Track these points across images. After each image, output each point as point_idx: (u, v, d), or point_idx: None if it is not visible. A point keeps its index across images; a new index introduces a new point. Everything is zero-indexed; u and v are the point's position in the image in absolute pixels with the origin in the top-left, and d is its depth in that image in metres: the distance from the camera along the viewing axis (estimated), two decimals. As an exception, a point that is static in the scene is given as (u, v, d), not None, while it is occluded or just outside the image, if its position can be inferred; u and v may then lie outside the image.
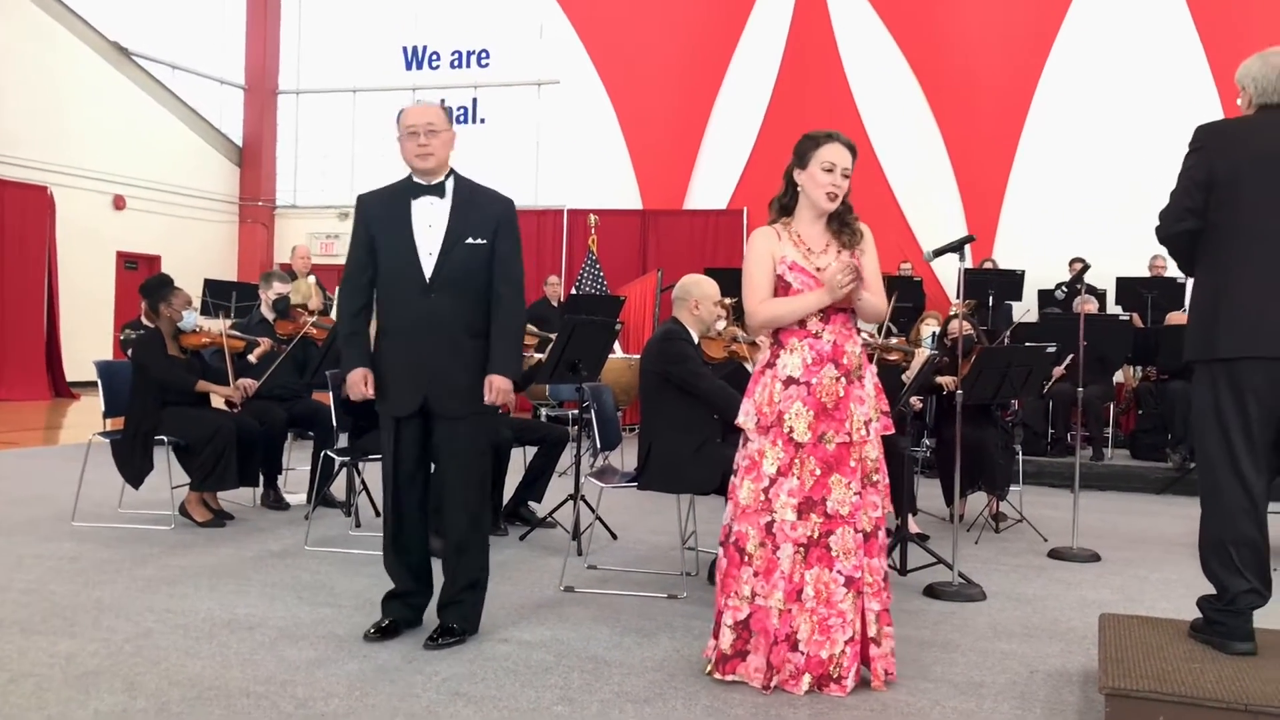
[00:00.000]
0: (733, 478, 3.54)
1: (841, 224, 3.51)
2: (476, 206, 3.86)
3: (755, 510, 3.42)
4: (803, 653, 3.37)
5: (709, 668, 3.51)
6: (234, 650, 3.72)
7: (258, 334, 6.63)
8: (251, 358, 6.31)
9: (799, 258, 3.47)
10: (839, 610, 3.37)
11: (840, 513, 3.39)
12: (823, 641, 3.37)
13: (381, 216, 3.83)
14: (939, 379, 6.08)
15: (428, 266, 3.76)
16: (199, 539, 5.60)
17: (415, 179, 3.85)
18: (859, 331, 3.63)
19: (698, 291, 4.86)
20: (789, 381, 3.43)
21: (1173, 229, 3.46)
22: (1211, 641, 3.35)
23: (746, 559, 3.42)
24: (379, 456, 5.38)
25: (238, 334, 6.44)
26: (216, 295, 10.25)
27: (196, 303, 10.12)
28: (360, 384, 3.80)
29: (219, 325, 6.39)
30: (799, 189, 3.52)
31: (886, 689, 3.44)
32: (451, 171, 3.88)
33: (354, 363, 3.82)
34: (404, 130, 3.81)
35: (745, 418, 3.50)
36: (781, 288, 3.47)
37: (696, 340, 4.91)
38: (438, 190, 3.83)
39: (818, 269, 3.44)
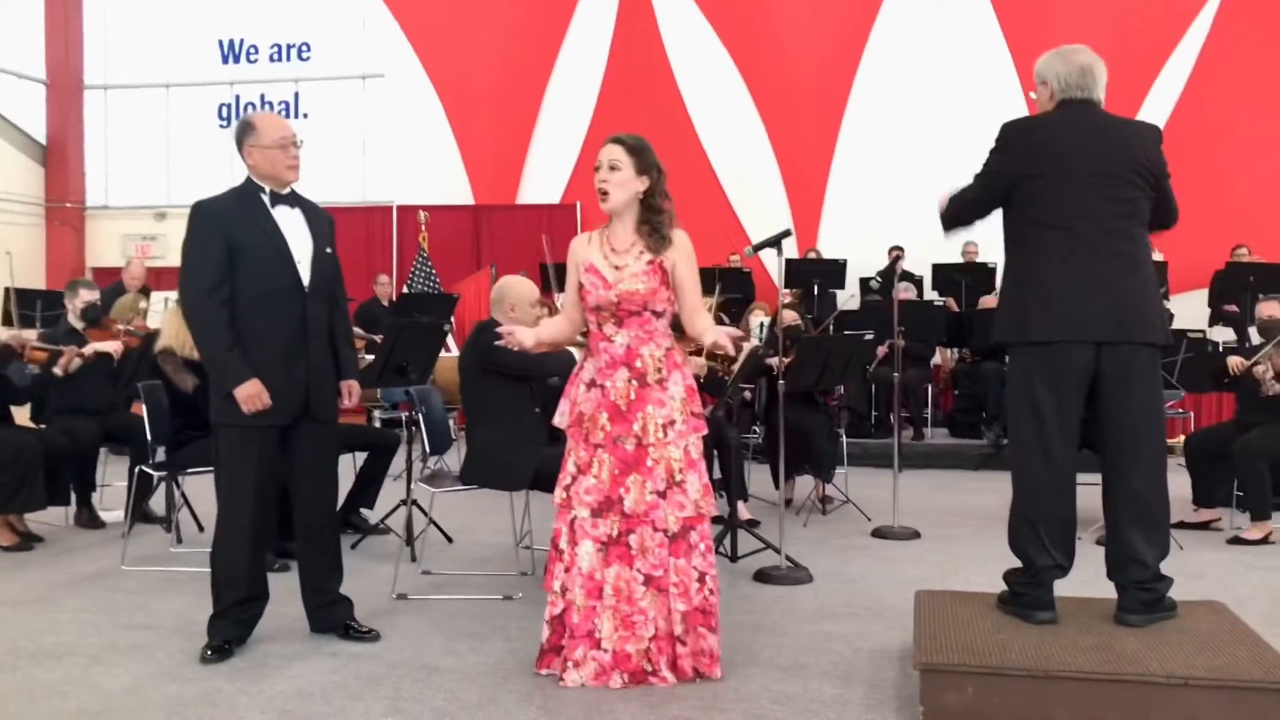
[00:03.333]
0: None
1: (651, 227, 3.55)
2: (318, 217, 3.97)
3: (564, 507, 3.51)
4: (607, 650, 3.41)
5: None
6: (40, 682, 3.53)
7: (66, 345, 6.30)
8: (58, 370, 5.97)
9: (599, 259, 3.53)
10: (640, 608, 3.43)
11: (638, 512, 3.44)
12: (628, 637, 3.42)
13: (245, 225, 3.76)
14: (769, 359, 6.20)
15: (304, 274, 3.81)
16: (4, 564, 5.29)
17: (271, 188, 3.84)
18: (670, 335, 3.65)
19: (513, 294, 4.84)
20: (590, 384, 3.52)
21: (964, 214, 3.67)
22: (1016, 613, 3.54)
23: (560, 555, 3.50)
24: (200, 470, 5.25)
25: (41, 345, 6.08)
26: (21, 305, 9.62)
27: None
28: (261, 395, 3.68)
29: (22, 335, 6.04)
30: None
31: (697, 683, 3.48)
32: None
33: (244, 374, 3.68)
34: (275, 141, 3.82)
35: (560, 417, 3.58)
36: (579, 288, 3.55)
37: None
38: (290, 200, 3.89)
39: (615, 268, 3.50)
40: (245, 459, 3.77)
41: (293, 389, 3.78)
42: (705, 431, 3.59)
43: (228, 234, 3.73)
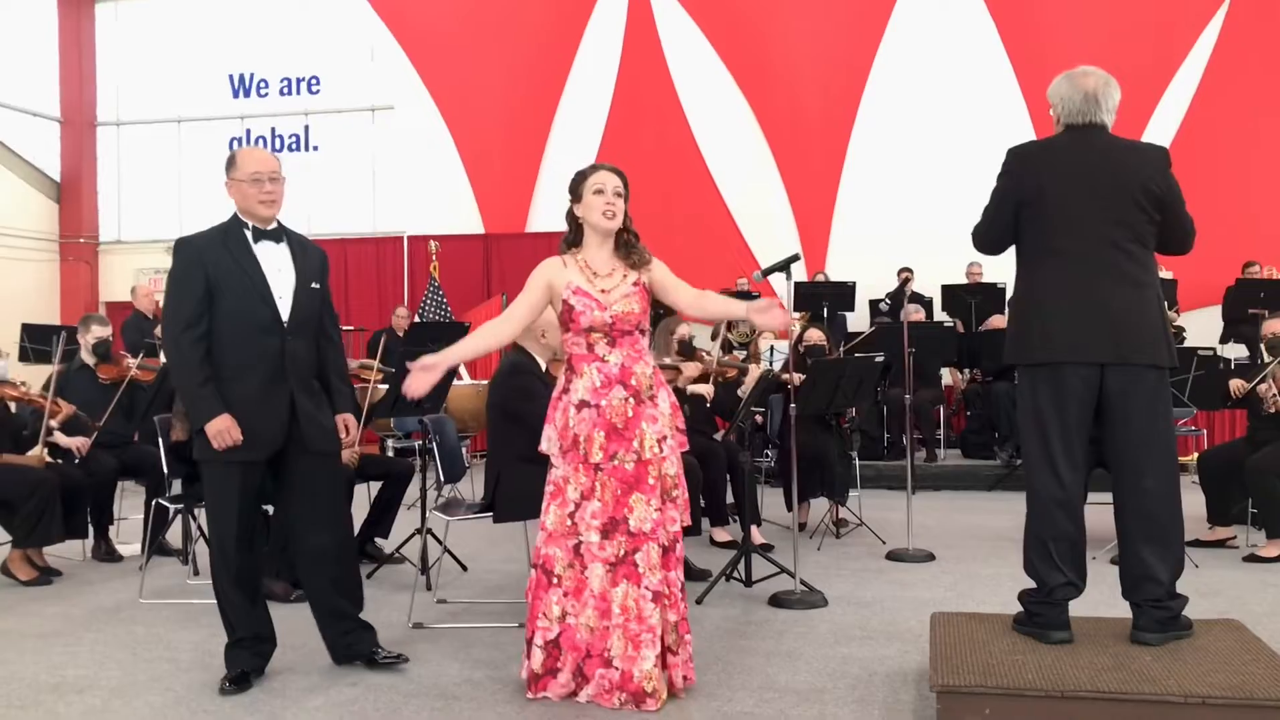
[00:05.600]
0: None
1: (628, 249, 3.63)
2: (307, 252, 3.96)
3: (562, 534, 3.53)
4: (617, 669, 3.46)
5: (525, 688, 3.61)
6: (62, 716, 3.56)
7: (79, 380, 6.37)
8: (53, 423, 5.97)
9: (583, 282, 3.58)
10: (649, 626, 3.46)
11: (643, 530, 3.49)
12: (635, 658, 3.46)
13: (224, 261, 3.77)
14: (785, 376, 6.20)
15: (284, 310, 3.80)
16: (24, 599, 5.32)
17: (253, 224, 3.85)
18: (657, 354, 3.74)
19: (543, 321, 4.84)
20: (581, 405, 3.53)
21: (984, 244, 3.72)
22: (1032, 633, 3.55)
23: (555, 580, 3.53)
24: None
25: (47, 396, 6.10)
26: (36, 340, 9.70)
27: (14, 350, 9.60)
28: (230, 430, 3.68)
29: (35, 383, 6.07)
30: (581, 223, 3.67)
31: (685, 696, 3.54)
32: (277, 219, 3.94)
33: (215, 409, 3.68)
34: (248, 175, 3.81)
35: (548, 444, 3.61)
36: (565, 310, 3.59)
37: (545, 367, 4.92)
38: (275, 235, 3.88)
39: (602, 290, 3.56)
40: (227, 494, 3.76)
41: (271, 424, 3.77)
42: (687, 447, 3.66)
43: (207, 270, 3.74)
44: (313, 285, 3.90)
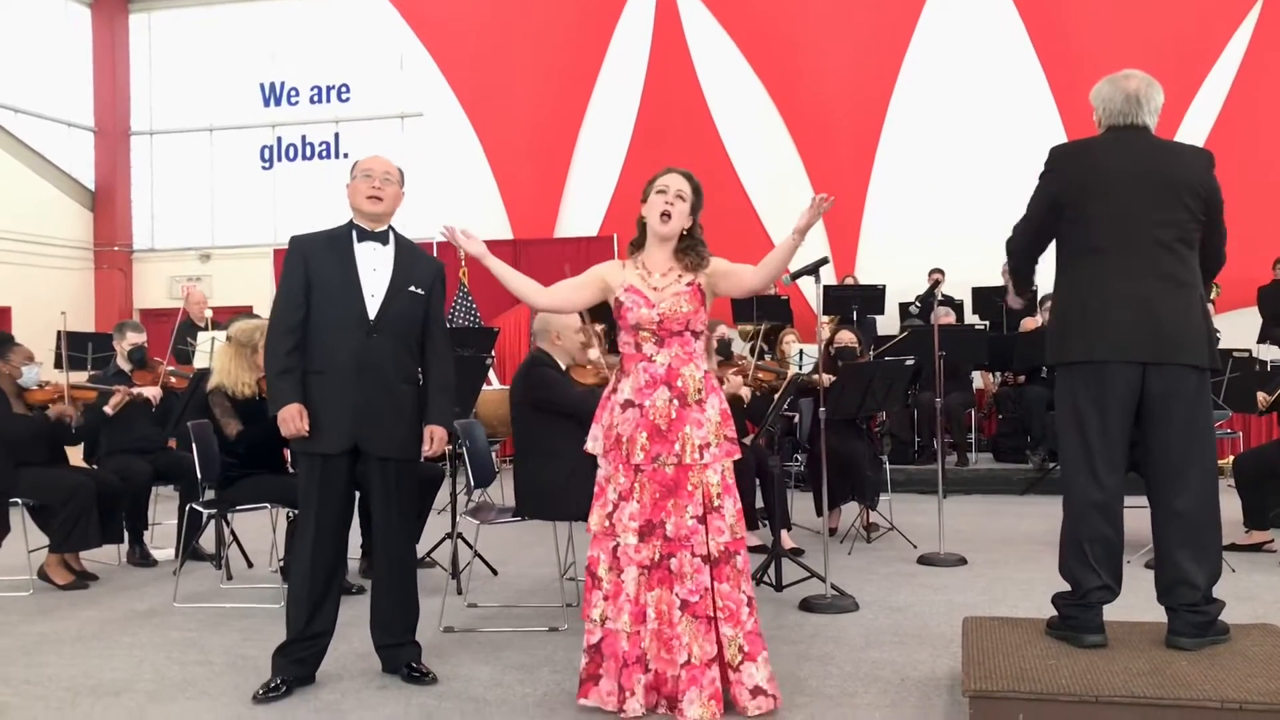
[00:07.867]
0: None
1: (686, 252, 3.57)
2: (417, 259, 4.03)
3: (604, 535, 3.50)
4: (651, 669, 3.40)
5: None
6: (98, 719, 3.59)
7: (115, 386, 6.43)
8: (108, 409, 6.08)
9: (637, 280, 3.56)
10: (677, 633, 3.39)
11: (678, 536, 3.41)
12: (670, 660, 3.40)
13: (323, 257, 3.89)
14: (815, 377, 6.17)
15: (371, 308, 3.86)
16: (61, 603, 5.39)
17: (359, 224, 3.94)
18: (712, 356, 3.69)
19: (557, 323, 4.89)
20: (626, 405, 3.50)
21: (1022, 241, 3.70)
22: (1066, 636, 3.52)
23: (597, 583, 3.49)
24: (249, 507, 5.32)
25: (88, 385, 6.21)
26: (71, 348, 9.77)
27: (49, 357, 9.70)
28: (296, 419, 3.77)
29: (64, 379, 6.15)
30: (644, 225, 3.64)
31: (760, 713, 3.44)
32: (391, 226, 4.01)
33: (287, 398, 3.79)
34: (359, 173, 3.94)
35: (594, 443, 3.59)
36: (616, 308, 3.59)
37: (565, 368, 4.95)
38: (381, 238, 3.96)
39: (654, 289, 3.53)
40: (309, 484, 3.87)
41: (342, 420, 3.82)
42: (739, 456, 3.56)
43: (308, 266, 3.87)
44: (412, 289, 3.93)
